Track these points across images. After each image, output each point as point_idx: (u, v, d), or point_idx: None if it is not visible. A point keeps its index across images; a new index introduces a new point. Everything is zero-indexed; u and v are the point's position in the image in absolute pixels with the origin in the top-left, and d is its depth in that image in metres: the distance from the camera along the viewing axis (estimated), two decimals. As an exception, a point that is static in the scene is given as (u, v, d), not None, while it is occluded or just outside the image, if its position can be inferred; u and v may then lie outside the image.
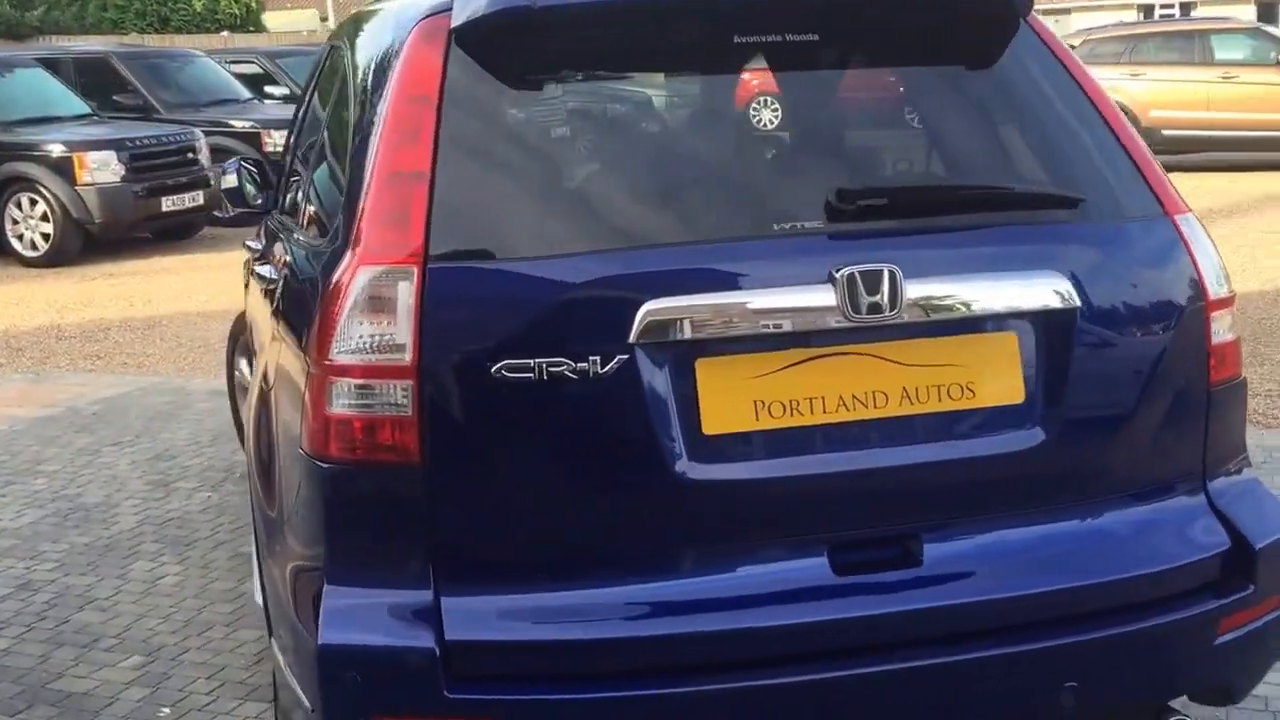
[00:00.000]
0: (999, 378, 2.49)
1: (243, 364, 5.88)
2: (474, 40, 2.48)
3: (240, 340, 5.80)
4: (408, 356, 2.35)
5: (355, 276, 2.39)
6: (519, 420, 2.37)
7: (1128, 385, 2.57)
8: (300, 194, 3.27)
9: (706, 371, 2.39)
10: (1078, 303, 2.50)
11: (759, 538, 2.44)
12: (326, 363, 2.40)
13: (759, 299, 2.38)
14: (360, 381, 2.38)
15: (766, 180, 2.62)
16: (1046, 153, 2.69)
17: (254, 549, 4.01)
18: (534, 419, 2.37)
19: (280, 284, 3.03)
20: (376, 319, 2.37)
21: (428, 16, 2.55)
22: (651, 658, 2.36)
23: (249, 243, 5.13)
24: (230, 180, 4.83)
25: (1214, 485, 2.67)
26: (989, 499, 2.53)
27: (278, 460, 2.71)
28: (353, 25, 3.30)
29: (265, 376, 2.97)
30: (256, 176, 4.82)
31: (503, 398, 2.35)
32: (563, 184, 2.54)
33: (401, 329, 2.35)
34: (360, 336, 2.37)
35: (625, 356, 2.34)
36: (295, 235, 3.13)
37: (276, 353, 2.87)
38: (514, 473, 2.39)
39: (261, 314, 3.44)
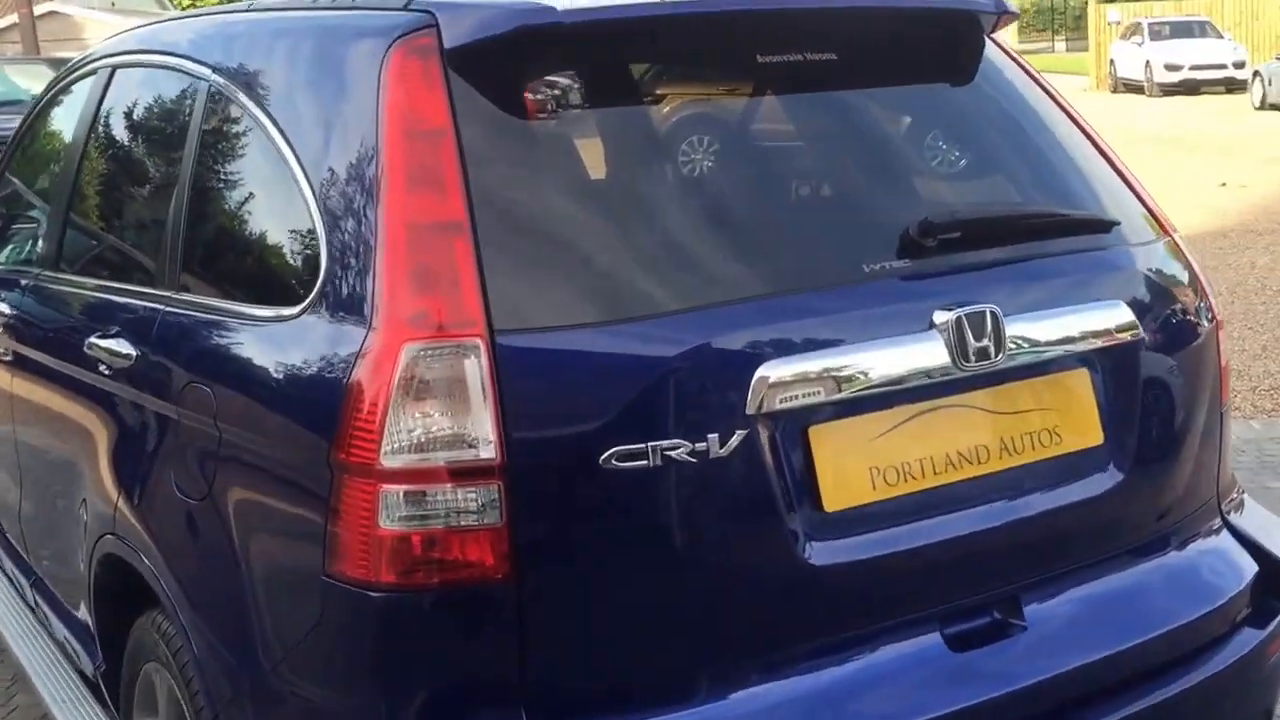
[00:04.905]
0: (1080, 418, 2.34)
1: None
2: (486, 59, 2.05)
3: None
4: (491, 452, 1.88)
5: (398, 355, 1.89)
6: (631, 518, 1.96)
7: (1176, 414, 2.50)
8: (169, 251, 2.58)
9: (821, 440, 2.07)
10: (1141, 332, 2.38)
11: (877, 621, 2.16)
12: (372, 467, 1.89)
13: (874, 355, 2.10)
14: (425, 488, 1.89)
15: (844, 219, 2.33)
16: (1068, 177, 2.57)
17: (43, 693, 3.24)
18: (647, 515, 1.97)
19: (171, 360, 2.41)
20: (438, 408, 1.89)
21: (408, 33, 2.08)
22: None
23: None
24: None
25: (1227, 510, 2.65)
26: (1074, 549, 2.37)
27: (251, 588, 2.14)
28: (203, 43, 2.67)
29: (175, 484, 2.35)
30: None
31: (612, 492, 1.94)
32: (629, 230, 2.13)
33: (478, 418, 1.89)
34: (417, 431, 1.89)
35: (744, 431, 1.99)
36: (179, 303, 2.48)
37: (203, 451, 2.27)
38: (622, 583, 1.98)
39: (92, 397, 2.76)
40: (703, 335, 2.00)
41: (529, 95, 2.08)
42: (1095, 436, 2.34)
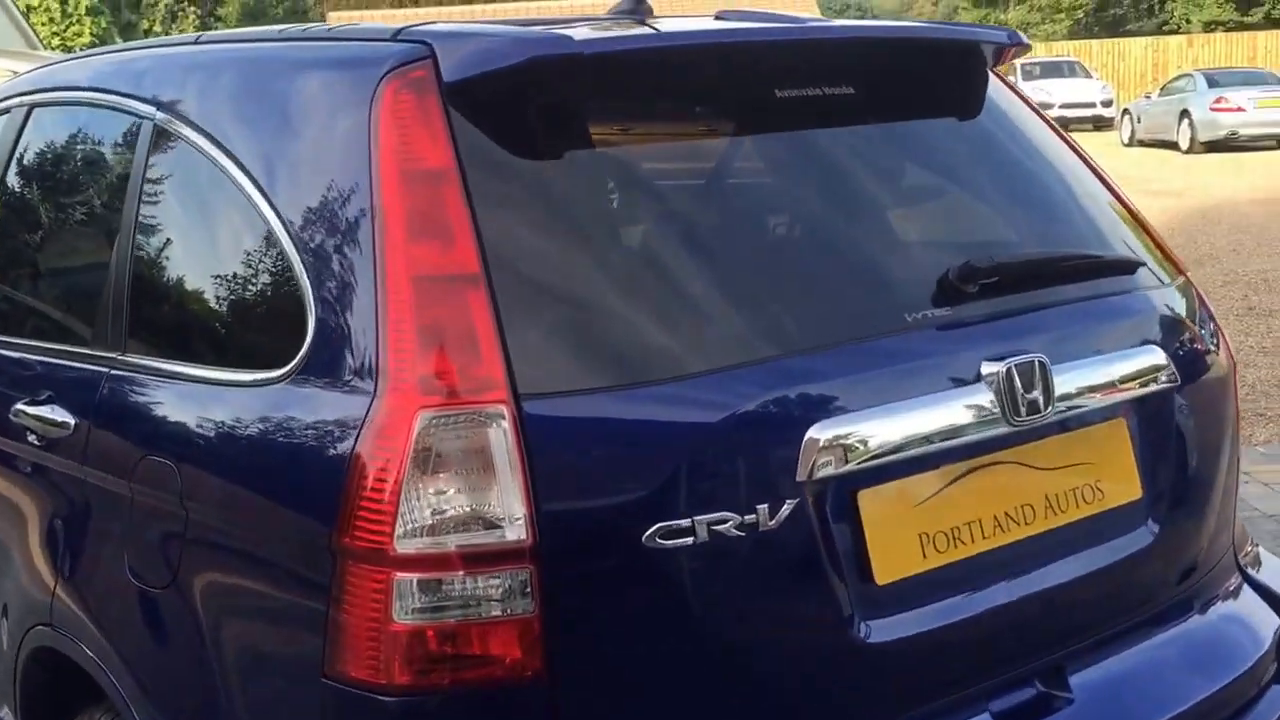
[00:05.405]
0: (1120, 471, 2.20)
1: None
2: (494, 93, 1.85)
3: None
4: (521, 532, 1.66)
5: (412, 424, 1.67)
6: (676, 602, 1.76)
7: (1205, 462, 2.38)
8: (116, 307, 2.30)
9: (871, 506, 1.89)
10: (1174, 378, 2.25)
11: (929, 701, 1.98)
12: (384, 552, 1.66)
13: (926, 410, 1.93)
14: (445, 575, 1.67)
15: (881, 266, 2.13)
16: (1087, 217, 2.43)
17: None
18: (694, 598, 1.77)
19: (149, 432, 2.14)
20: (458, 483, 1.67)
21: (400, 66, 1.86)
22: None
23: None
24: None
25: (1244, 563, 2.53)
26: (1113, 611, 2.22)
27: (228, 690, 1.89)
28: (147, 78, 2.41)
29: (130, 569, 2.08)
30: None
31: (656, 573, 1.74)
32: (663, 281, 1.92)
33: (505, 495, 1.67)
34: (435, 512, 1.67)
35: (794, 500, 1.80)
36: (140, 368, 2.20)
37: (165, 533, 2.01)
38: (666, 676, 1.77)
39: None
40: (749, 395, 1.81)
41: (543, 133, 1.88)
42: (1135, 490, 2.21)
